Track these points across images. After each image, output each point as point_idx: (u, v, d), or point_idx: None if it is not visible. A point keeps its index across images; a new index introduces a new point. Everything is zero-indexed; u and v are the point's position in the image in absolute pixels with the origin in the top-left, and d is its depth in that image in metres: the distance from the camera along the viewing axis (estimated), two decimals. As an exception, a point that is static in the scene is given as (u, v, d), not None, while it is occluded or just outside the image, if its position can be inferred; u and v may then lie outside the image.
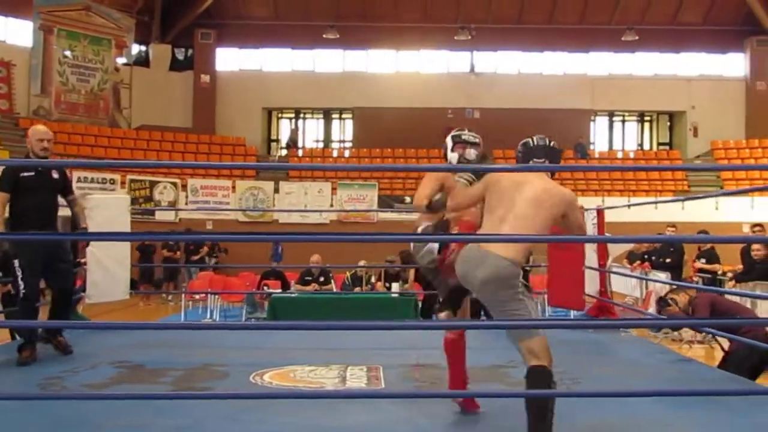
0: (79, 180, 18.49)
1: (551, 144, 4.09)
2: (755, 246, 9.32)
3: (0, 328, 8.01)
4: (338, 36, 24.14)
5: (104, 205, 7.44)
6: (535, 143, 4.08)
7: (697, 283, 10.58)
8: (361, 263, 11.26)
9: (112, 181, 18.69)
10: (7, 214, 5.33)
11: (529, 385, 3.52)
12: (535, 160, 3.98)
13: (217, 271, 14.61)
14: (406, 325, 7.51)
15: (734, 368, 5.62)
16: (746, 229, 16.23)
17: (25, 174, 5.35)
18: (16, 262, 5.22)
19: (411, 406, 4.30)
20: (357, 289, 10.97)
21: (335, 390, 4.82)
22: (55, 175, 5.60)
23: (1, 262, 7.45)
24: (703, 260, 11.65)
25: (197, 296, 12.35)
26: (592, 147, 25.26)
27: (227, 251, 17.41)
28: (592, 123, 26.06)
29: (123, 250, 7.63)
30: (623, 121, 26.89)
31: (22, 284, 5.22)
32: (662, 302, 6.21)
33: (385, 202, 19.80)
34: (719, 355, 6.48)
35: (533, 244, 4.22)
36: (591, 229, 7.66)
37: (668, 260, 11.24)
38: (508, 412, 4.14)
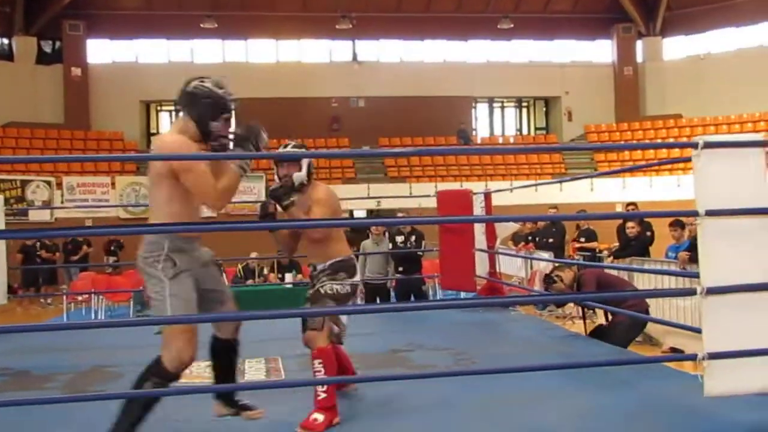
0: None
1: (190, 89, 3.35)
2: (629, 223, 9.84)
3: None
4: (216, 26, 23.59)
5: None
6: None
7: (578, 260, 11.05)
8: (253, 255, 11.09)
9: (-21, 182, 17.58)
10: None
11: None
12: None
13: (118, 269, 13.94)
14: (301, 313, 7.45)
15: (617, 339, 5.92)
16: (619, 208, 17.14)
17: None
18: None
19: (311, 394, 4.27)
20: (250, 282, 10.81)
21: (233, 384, 4.71)
22: None
23: None
24: (583, 239, 12.19)
25: (80, 297, 11.79)
26: (474, 133, 25.91)
27: (123, 247, 16.40)
28: (473, 109, 26.72)
29: (-3, 253, 7.17)
30: (502, 107, 27.71)
31: None
32: (548, 279, 6.42)
33: (272, 194, 19.56)
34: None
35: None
36: (480, 212, 7.87)
37: (551, 240, 11.70)
38: (405, 393, 4.20)
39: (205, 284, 3.36)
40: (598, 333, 6.36)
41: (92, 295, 11.20)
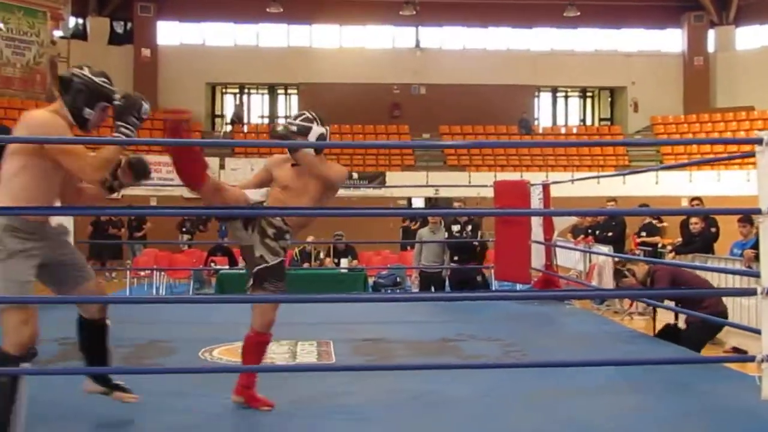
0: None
1: (66, 75, 3.35)
2: (693, 219, 9.60)
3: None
4: (281, 10, 23.79)
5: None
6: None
7: (638, 255, 10.83)
8: (310, 239, 11.24)
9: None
10: None
11: None
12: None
13: (192, 247, 14.21)
14: (355, 298, 7.54)
15: (689, 341, 5.70)
16: (685, 203, 16.74)
17: None
18: None
19: (362, 379, 4.33)
20: (306, 265, 10.94)
21: (286, 364, 4.81)
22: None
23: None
24: (644, 233, 11.94)
25: (142, 273, 12.14)
26: (536, 123, 25.58)
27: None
28: (535, 99, 26.36)
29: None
30: (566, 97, 27.26)
31: None
32: (620, 273, 6.24)
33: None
34: (658, 327, 6.62)
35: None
36: (537, 204, 7.79)
37: (610, 234, 11.48)
38: (454, 382, 4.21)
39: (63, 262, 3.34)
40: (667, 333, 6.17)
41: (154, 272, 11.53)
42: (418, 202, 20.67)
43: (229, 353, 5.06)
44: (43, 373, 3.85)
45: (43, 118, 3.21)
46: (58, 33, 22.95)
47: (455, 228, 8.71)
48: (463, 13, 24.63)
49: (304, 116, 4.00)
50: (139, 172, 3.48)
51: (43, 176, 3.16)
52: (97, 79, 3.33)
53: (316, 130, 3.91)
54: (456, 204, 8.94)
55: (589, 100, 27.35)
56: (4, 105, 20.99)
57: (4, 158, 3.20)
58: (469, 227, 8.66)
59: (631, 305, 9.76)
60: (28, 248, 3.16)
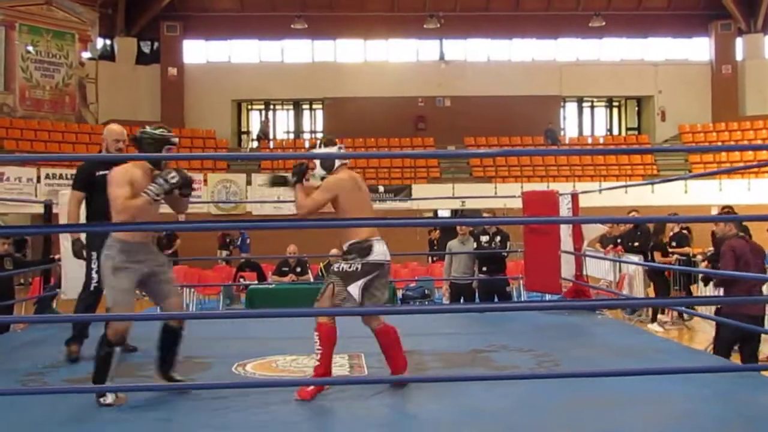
0: (47, 177, 18.23)
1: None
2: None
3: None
4: (306, 26, 24.01)
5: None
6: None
7: (674, 264, 10.68)
8: (333, 251, 11.13)
9: (81, 177, 18.43)
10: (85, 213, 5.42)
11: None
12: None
13: (229, 263, 14.37)
14: (388, 311, 7.51)
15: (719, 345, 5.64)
16: (715, 212, 16.48)
17: (100, 173, 5.26)
18: (94, 255, 5.13)
19: (394, 392, 4.31)
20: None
21: (320, 378, 4.80)
22: None
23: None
24: (674, 243, 11.78)
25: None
26: (562, 133, 25.46)
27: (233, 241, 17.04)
28: (561, 109, 26.26)
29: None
30: (592, 107, 27.13)
31: (96, 277, 5.14)
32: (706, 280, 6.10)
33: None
34: (691, 336, 6.53)
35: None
36: (566, 214, 7.73)
37: (635, 243, 11.31)
38: (487, 393, 4.18)
39: (156, 281, 4.30)
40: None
41: (184, 288, 11.60)
42: (444, 215, 20.64)
43: (262, 368, 5.07)
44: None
45: (122, 168, 4.27)
46: (86, 54, 23.40)
47: (484, 239, 8.67)
48: (487, 25, 24.68)
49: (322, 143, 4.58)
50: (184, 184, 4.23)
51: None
52: (157, 132, 4.33)
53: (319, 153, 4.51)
54: (485, 214, 8.89)
55: (615, 110, 27.20)
56: (35, 127, 21.39)
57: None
58: (498, 238, 8.62)
59: (666, 314, 9.64)
60: (128, 266, 4.14)
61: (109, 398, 3.98)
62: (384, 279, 4.46)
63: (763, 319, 5.96)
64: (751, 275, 5.77)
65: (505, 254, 8.69)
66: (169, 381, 4.40)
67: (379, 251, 4.40)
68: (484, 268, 8.76)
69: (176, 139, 4.41)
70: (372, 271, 4.35)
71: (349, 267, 4.33)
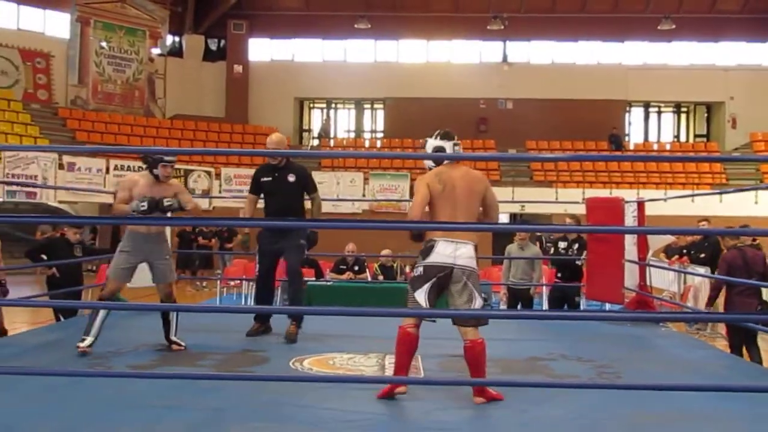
0: (115, 168, 18.71)
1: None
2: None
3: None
4: (369, 26, 24.08)
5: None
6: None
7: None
8: (385, 252, 11.06)
9: (148, 170, 18.88)
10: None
11: None
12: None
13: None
14: (448, 313, 7.45)
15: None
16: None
17: (264, 179, 6.12)
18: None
19: (450, 394, 4.28)
20: (381, 278, 10.85)
21: (377, 377, 4.80)
22: (291, 179, 6.09)
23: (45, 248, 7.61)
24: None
25: (232, 283, 12.43)
26: (626, 139, 24.95)
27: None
28: (626, 114, 25.74)
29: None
30: (659, 113, 26.49)
31: (258, 267, 6.35)
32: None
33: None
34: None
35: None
36: (631, 222, 7.56)
37: (702, 255, 10.99)
38: (546, 402, 4.11)
39: (152, 266, 5.55)
40: None
41: (243, 282, 11.75)
42: (503, 218, 20.45)
43: (319, 364, 5.10)
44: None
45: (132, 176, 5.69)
46: (155, 51, 23.98)
47: (562, 245, 8.53)
48: (552, 27, 24.35)
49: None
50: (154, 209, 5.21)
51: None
52: (155, 156, 5.44)
53: (431, 143, 4.72)
54: (568, 221, 8.71)
55: (683, 116, 26.50)
56: (105, 120, 22.03)
57: None
58: (576, 245, 8.45)
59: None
60: (131, 249, 5.45)
61: (87, 341, 5.11)
62: (460, 284, 4.16)
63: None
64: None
65: (580, 262, 8.50)
66: (169, 343, 5.41)
67: (442, 252, 4.11)
68: (559, 275, 8.65)
69: (171, 158, 5.51)
70: (433, 275, 4.11)
71: (415, 271, 4.24)
